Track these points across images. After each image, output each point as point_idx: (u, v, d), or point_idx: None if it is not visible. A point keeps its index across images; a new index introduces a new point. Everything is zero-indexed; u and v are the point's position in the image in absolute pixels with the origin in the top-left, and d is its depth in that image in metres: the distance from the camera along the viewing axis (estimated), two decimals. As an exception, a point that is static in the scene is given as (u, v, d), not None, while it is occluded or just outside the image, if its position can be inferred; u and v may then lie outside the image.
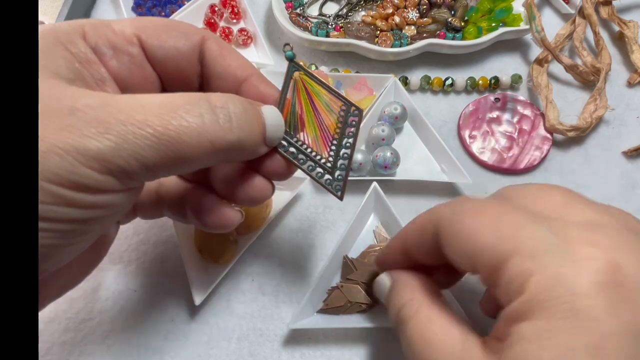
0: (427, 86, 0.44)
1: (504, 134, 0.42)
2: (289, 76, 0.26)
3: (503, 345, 0.19)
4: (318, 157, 0.26)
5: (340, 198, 0.26)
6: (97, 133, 0.18)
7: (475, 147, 0.42)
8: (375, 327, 0.34)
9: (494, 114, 0.43)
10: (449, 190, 0.40)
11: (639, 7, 0.48)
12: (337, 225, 0.38)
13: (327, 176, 0.26)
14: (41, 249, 0.18)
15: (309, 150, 0.26)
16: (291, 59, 0.26)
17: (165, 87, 0.26)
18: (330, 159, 0.26)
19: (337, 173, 0.26)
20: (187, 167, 0.21)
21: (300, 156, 0.26)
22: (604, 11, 0.46)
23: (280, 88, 0.26)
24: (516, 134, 0.42)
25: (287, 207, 0.38)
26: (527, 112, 0.43)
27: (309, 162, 0.26)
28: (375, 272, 0.26)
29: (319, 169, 0.26)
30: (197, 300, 0.33)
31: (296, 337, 0.34)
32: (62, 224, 0.19)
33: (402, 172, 0.39)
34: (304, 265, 0.37)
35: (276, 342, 0.34)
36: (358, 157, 0.38)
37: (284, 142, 0.25)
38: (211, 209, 0.26)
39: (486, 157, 0.41)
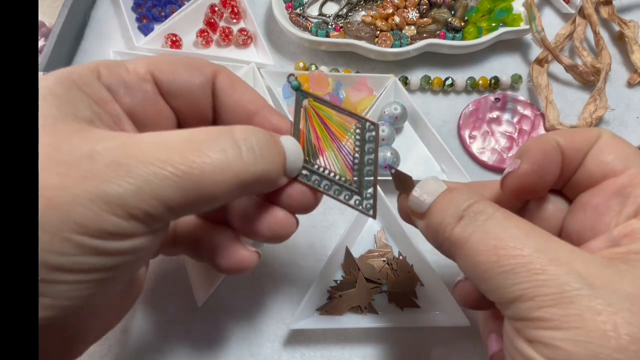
0: (427, 86, 0.44)
1: (504, 134, 0.42)
2: (299, 105, 0.26)
3: (624, 252, 0.19)
4: (343, 180, 0.26)
5: (373, 216, 0.26)
6: (118, 177, 0.18)
7: (475, 147, 0.42)
8: (375, 327, 0.34)
9: (494, 114, 0.43)
10: (449, 190, 0.40)
11: (639, 7, 0.48)
12: (337, 225, 0.38)
13: (355, 197, 0.26)
14: (76, 300, 0.18)
15: (332, 174, 0.26)
16: (298, 88, 0.26)
17: (180, 121, 0.26)
18: (355, 178, 0.26)
19: (365, 192, 0.26)
20: (211, 205, 0.21)
21: (325, 182, 0.25)
22: (604, 11, 0.46)
23: (289, 116, 0.26)
24: (516, 134, 0.42)
25: (287, 207, 0.38)
26: (527, 112, 0.43)
27: (335, 187, 0.25)
28: (410, 180, 0.24)
29: (346, 192, 0.26)
30: (199, 301, 0.33)
31: (296, 337, 0.34)
32: (93, 274, 0.18)
33: (402, 172, 0.39)
34: (304, 265, 0.37)
35: (276, 342, 0.34)
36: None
37: (305, 172, 0.25)
38: (227, 252, 0.25)
39: (486, 157, 0.41)
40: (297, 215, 0.26)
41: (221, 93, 0.25)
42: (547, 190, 0.24)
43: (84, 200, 0.17)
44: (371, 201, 0.26)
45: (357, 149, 0.26)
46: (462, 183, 0.25)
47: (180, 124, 0.26)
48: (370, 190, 0.26)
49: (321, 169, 0.25)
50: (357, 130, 0.27)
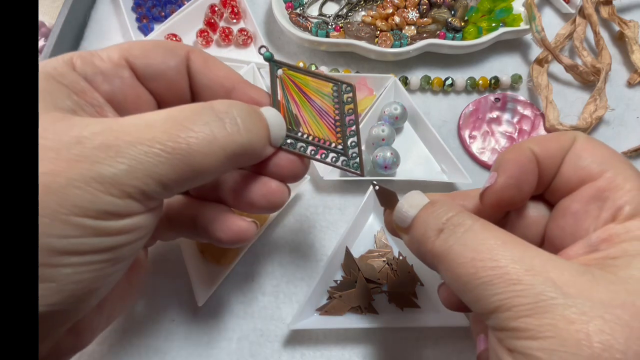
0: (427, 86, 0.44)
1: (504, 134, 0.42)
2: (274, 76, 0.27)
3: (602, 258, 0.19)
4: (328, 144, 0.26)
5: (362, 174, 0.27)
6: (109, 157, 0.18)
7: (475, 147, 0.42)
8: (375, 327, 0.34)
9: (494, 114, 0.43)
10: (449, 190, 0.40)
11: (639, 7, 0.48)
12: (337, 225, 0.38)
13: (342, 158, 0.27)
14: (81, 283, 0.19)
15: (316, 140, 0.26)
16: (270, 59, 0.27)
17: (160, 104, 0.26)
18: (340, 141, 0.27)
19: (350, 152, 0.27)
20: (202, 178, 0.21)
21: (311, 148, 0.26)
22: (605, 11, 0.46)
23: (269, 90, 0.27)
24: (516, 134, 0.42)
25: (287, 207, 0.38)
26: (527, 112, 0.43)
27: (321, 151, 0.26)
28: (394, 196, 0.24)
29: (332, 154, 0.26)
30: (200, 301, 0.33)
31: (296, 338, 0.34)
32: (95, 255, 0.19)
33: (402, 172, 0.39)
34: (304, 265, 0.37)
35: (276, 342, 0.34)
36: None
37: (290, 141, 0.26)
38: (224, 224, 0.26)
39: (486, 157, 0.41)
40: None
41: (196, 72, 0.25)
42: (526, 200, 0.24)
43: (78, 182, 0.18)
44: (357, 160, 0.27)
45: (337, 111, 0.27)
46: (446, 194, 0.26)
47: (160, 107, 0.26)
48: (356, 149, 0.27)
49: (305, 136, 0.26)
50: (335, 94, 0.27)
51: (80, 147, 0.18)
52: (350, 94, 0.27)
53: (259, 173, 0.26)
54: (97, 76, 0.23)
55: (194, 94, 0.26)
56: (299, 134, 0.26)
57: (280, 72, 0.27)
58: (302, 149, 0.26)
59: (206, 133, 0.20)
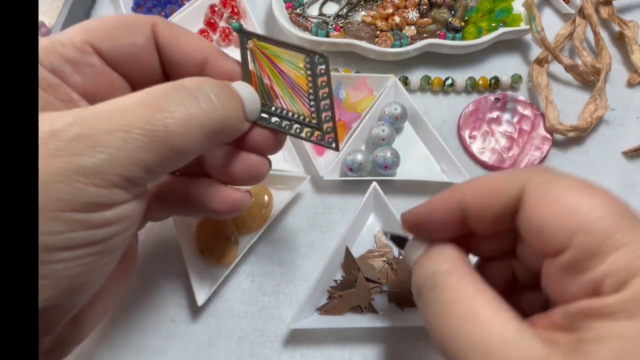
0: (427, 86, 0.44)
1: (504, 134, 0.42)
2: (244, 47, 0.26)
3: (576, 339, 0.18)
4: (302, 118, 0.26)
5: (337, 149, 0.26)
6: (87, 148, 0.18)
7: (475, 147, 0.42)
8: (375, 327, 0.34)
9: (494, 114, 0.43)
10: (449, 190, 0.40)
11: (639, 7, 0.48)
12: (337, 226, 0.38)
13: (317, 133, 0.26)
14: (74, 277, 0.18)
15: (290, 114, 0.26)
16: (239, 30, 0.26)
17: (133, 86, 0.26)
18: (314, 115, 0.26)
19: (324, 126, 0.26)
20: (184, 158, 0.21)
21: (285, 123, 0.26)
22: (604, 11, 0.46)
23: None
24: (516, 134, 0.42)
25: (287, 207, 0.38)
26: (527, 112, 0.43)
27: (295, 125, 0.26)
28: (405, 240, 0.26)
29: (306, 129, 0.26)
30: (200, 300, 0.33)
31: (296, 337, 0.34)
32: (86, 249, 0.19)
33: (402, 172, 0.39)
34: (304, 265, 0.37)
35: (276, 342, 0.34)
36: (358, 157, 0.38)
37: (264, 115, 0.25)
38: (218, 195, 0.26)
39: (486, 157, 0.41)
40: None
41: (165, 46, 0.25)
42: (448, 233, 0.24)
43: (59, 177, 0.17)
44: (332, 135, 0.26)
45: (310, 84, 0.26)
46: (447, 191, 0.24)
47: (134, 89, 0.26)
48: (330, 123, 0.26)
49: (279, 110, 0.26)
50: (308, 66, 0.26)
51: (56, 141, 0.18)
52: (323, 66, 0.26)
53: (240, 148, 0.26)
54: (64, 66, 0.22)
55: (166, 70, 0.26)
56: (273, 108, 0.26)
57: (250, 43, 0.26)
58: (277, 123, 0.26)
59: (182, 113, 0.20)
